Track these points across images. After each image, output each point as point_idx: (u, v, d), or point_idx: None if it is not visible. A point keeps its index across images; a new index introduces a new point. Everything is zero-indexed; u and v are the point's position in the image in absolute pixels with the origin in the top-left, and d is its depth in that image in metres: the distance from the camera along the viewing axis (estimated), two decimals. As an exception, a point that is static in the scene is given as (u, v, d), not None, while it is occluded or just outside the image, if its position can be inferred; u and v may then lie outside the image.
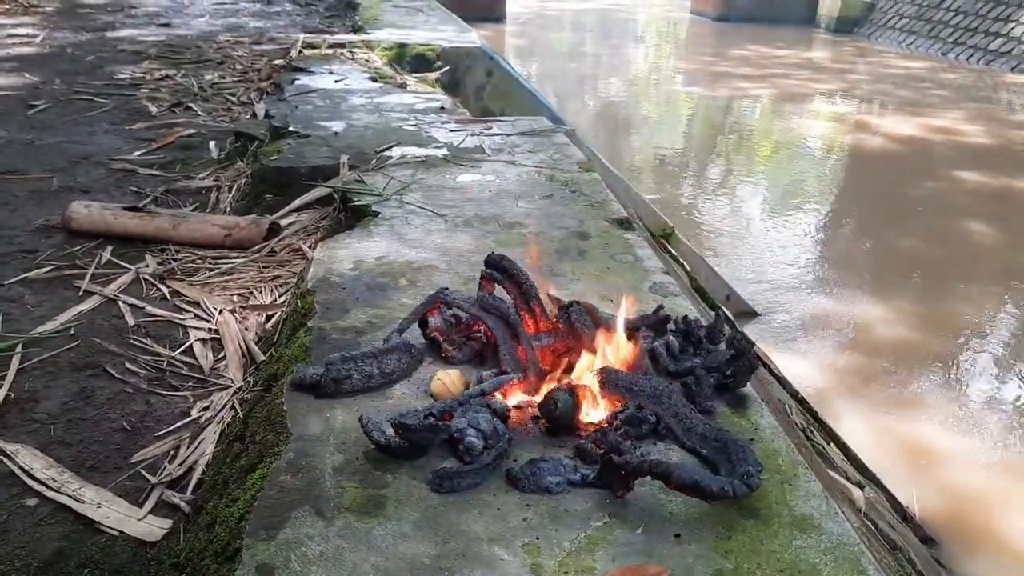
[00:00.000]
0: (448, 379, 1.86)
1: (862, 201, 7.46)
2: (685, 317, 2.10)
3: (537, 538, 1.45)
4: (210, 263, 3.16)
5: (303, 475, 1.60)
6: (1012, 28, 13.09)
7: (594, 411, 1.77)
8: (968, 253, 6.11)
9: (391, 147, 3.78)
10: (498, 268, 2.05)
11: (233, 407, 2.27)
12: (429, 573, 1.37)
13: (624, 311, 1.97)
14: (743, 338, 1.91)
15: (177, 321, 2.77)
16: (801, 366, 4.37)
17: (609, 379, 1.78)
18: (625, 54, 15.95)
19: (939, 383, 4.32)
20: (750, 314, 4.94)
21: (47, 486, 1.99)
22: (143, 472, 2.06)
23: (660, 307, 2.09)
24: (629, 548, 1.43)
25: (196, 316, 2.80)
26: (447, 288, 2.09)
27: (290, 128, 4.11)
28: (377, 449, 1.66)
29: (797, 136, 9.60)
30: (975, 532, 3.31)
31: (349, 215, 3.12)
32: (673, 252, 4.68)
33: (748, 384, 1.93)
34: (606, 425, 1.72)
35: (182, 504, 1.93)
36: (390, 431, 1.64)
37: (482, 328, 1.99)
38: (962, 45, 13.82)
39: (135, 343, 2.62)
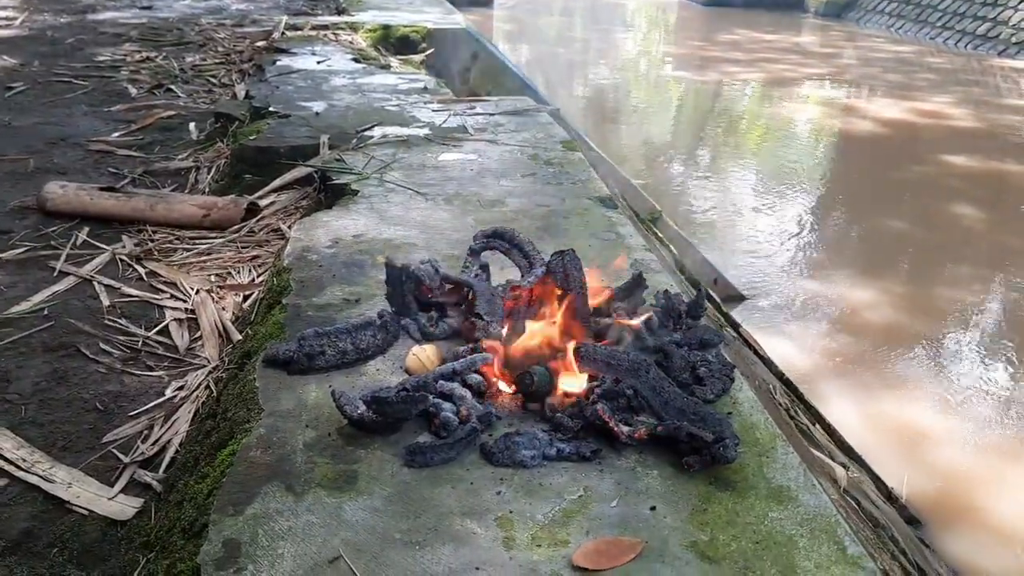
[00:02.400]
0: (423, 354, 1.83)
1: (851, 185, 7.45)
2: (666, 291, 2.07)
3: (511, 512, 1.43)
4: (188, 243, 3.12)
5: (274, 451, 1.57)
6: (1000, 12, 13.07)
7: (571, 384, 1.74)
8: (956, 236, 6.10)
9: (372, 127, 3.73)
10: (491, 236, 2.06)
11: (208, 386, 2.23)
12: (400, 548, 1.35)
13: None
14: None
15: (153, 301, 2.73)
16: (789, 348, 4.35)
17: (587, 353, 1.76)
18: (614, 39, 15.87)
19: (927, 365, 4.31)
20: (738, 297, 4.93)
21: (17, 466, 1.95)
22: (115, 452, 2.03)
23: (639, 272, 2.06)
24: (604, 521, 1.41)
25: (173, 296, 2.76)
26: (405, 264, 2.06)
27: (270, 108, 4.06)
28: (350, 424, 1.63)
29: (786, 120, 9.57)
30: (961, 513, 3.30)
31: (329, 195, 3.08)
32: (660, 235, 4.65)
33: (729, 358, 1.91)
34: (583, 399, 1.70)
35: (154, 483, 1.90)
36: (364, 406, 1.61)
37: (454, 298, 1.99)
38: (950, 29, 13.80)
39: (110, 323, 2.58)
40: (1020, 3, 12.71)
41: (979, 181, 7.35)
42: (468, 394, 1.69)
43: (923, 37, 14.20)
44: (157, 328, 2.58)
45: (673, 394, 1.68)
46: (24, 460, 1.97)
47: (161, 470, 1.96)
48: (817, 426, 3.23)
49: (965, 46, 13.28)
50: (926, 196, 6.92)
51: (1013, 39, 12.51)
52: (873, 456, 3.34)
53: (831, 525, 1.40)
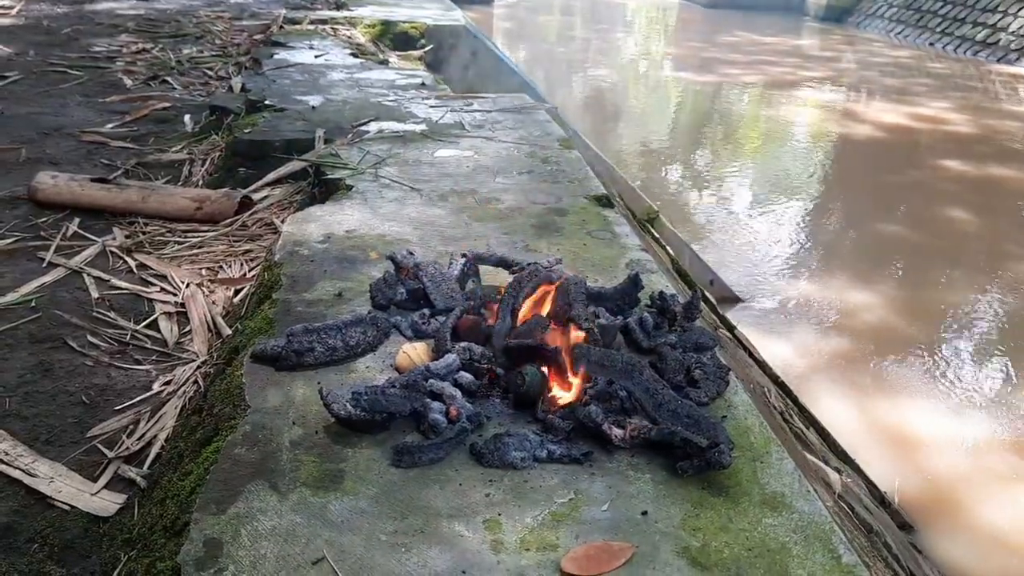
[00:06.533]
0: (414, 352, 1.81)
1: (848, 188, 7.43)
2: (661, 293, 2.05)
3: (499, 514, 1.40)
4: (180, 236, 3.08)
5: (259, 448, 1.54)
6: (999, 19, 13.07)
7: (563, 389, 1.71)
8: (952, 240, 6.09)
9: (369, 122, 3.70)
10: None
11: (196, 381, 2.20)
12: (385, 550, 1.32)
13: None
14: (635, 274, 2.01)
15: (143, 294, 2.70)
16: (784, 351, 4.33)
17: (581, 354, 1.73)
18: (614, 39, 15.84)
19: (922, 369, 4.30)
20: (733, 299, 4.90)
21: (-1, 460, 1.92)
22: (100, 447, 2.00)
23: (635, 273, 2.03)
24: (594, 525, 1.38)
25: (163, 290, 2.72)
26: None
27: (266, 102, 4.02)
28: (338, 423, 1.60)
29: (784, 123, 9.56)
30: (954, 518, 3.29)
31: (323, 189, 3.05)
32: (656, 236, 4.63)
33: (724, 361, 1.88)
34: (575, 400, 1.67)
35: (138, 479, 1.87)
36: (351, 407, 1.58)
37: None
38: (949, 35, 13.80)
39: (98, 316, 2.54)
40: (1020, 10, 12.71)
41: (976, 186, 7.35)
42: (458, 393, 1.66)
43: (922, 42, 14.20)
44: (146, 321, 2.54)
45: (667, 396, 1.65)
46: (6, 453, 1.94)
47: (146, 466, 1.92)
48: (812, 430, 3.21)
49: (964, 52, 13.28)
50: (923, 200, 6.90)
51: (1012, 45, 12.51)
52: (866, 460, 3.32)
53: (825, 533, 1.38)
